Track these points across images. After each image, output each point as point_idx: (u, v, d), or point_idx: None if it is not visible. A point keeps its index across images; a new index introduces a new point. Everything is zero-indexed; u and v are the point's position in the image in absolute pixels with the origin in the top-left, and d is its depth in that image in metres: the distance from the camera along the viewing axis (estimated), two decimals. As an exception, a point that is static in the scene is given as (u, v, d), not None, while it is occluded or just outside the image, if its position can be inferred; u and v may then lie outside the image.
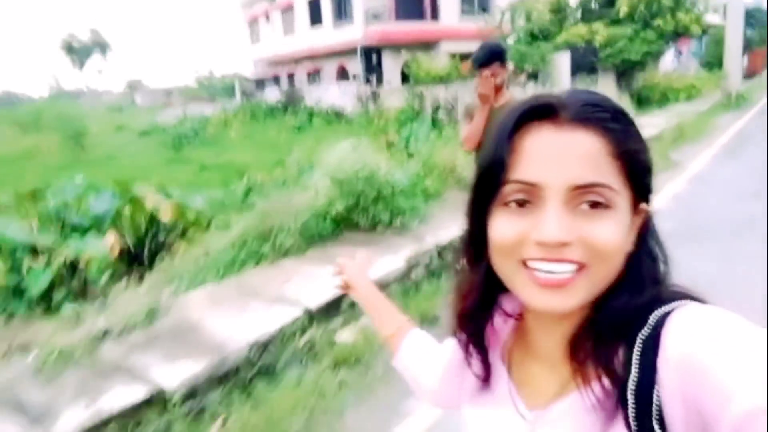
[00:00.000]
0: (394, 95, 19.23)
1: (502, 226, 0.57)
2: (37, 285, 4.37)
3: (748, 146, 9.21)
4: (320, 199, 5.03)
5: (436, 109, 16.53)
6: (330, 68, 25.09)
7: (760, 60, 25.68)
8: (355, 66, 22.84)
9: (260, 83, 31.06)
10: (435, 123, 13.97)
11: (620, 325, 0.55)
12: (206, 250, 4.86)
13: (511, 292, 0.60)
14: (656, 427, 0.50)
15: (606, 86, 14.17)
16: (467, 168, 6.42)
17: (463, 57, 20.92)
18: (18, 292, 4.36)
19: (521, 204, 0.56)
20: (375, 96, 20.01)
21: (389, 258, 4.42)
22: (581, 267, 0.54)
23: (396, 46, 21.36)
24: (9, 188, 8.22)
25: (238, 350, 3.08)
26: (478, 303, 0.67)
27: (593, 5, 17.69)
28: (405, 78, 21.55)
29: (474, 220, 0.62)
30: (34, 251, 4.67)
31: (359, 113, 19.83)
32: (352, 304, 3.58)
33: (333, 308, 3.67)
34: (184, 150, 18.24)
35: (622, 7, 15.71)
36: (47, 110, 23.73)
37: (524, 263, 0.56)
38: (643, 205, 0.59)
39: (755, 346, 0.45)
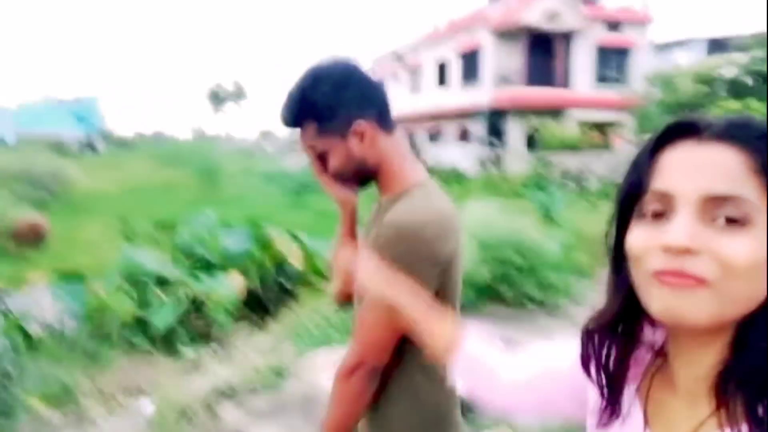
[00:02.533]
0: (517, 160, 18.64)
1: (635, 235, 0.58)
2: (163, 320, 4.18)
3: None
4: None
5: (563, 177, 15.69)
6: (451, 129, 25.09)
7: None
8: (478, 128, 22.61)
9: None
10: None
11: None
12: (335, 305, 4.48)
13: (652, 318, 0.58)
14: None
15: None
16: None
17: (595, 126, 20.03)
18: (142, 325, 4.19)
19: (657, 216, 0.56)
20: (498, 159, 19.53)
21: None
22: (712, 282, 0.52)
23: (523, 111, 20.90)
24: (145, 217, 8.55)
25: None
26: (618, 316, 0.64)
27: (749, 80, 16.24)
28: (529, 143, 20.93)
29: (617, 234, 0.62)
30: (162, 283, 4.53)
31: (480, 175, 19.41)
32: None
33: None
34: (304, 195, 18.76)
35: (788, 81, 14.19)
36: (186, 149, 25.71)
37: (654, 275, 0.55)
38: None
39: None
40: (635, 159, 0.60)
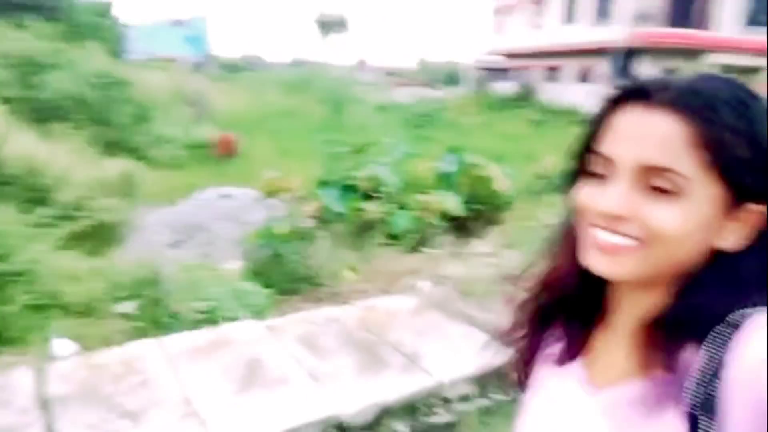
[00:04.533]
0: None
1: (581, 191, 0.62)
2: (399, 225, 5.08)
3: None
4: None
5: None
6: (572, 67, 24.40)
7: None
8: (604, 67, 21.90)
9: (492, 74, 31.37)
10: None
11: (696, 322, 0.55)
12: (539, 223, 5.18)
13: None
14: (711, 421, 0.50)
15: None
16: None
17: (743, 71, 18.90)
18: (386, 226, 5.11)
19: (601, 177, 0.59)
20: (626, 102, 19.01)
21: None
22: (641, 243, 0.56)
23: (658, 51, 20.01)
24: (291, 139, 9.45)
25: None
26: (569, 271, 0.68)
27: None
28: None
29: (567, 188, 0.66)
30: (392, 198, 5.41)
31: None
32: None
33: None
34: (424, 129, 19.28)
35: None
36: (308, 77, 26.67)
37: (592, 226, 0.60)
38: (753, 206, 0.56)
39: None
40: (591, 118, 0.63)
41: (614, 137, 0.58)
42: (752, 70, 19.18)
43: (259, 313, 3.36)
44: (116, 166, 6.92)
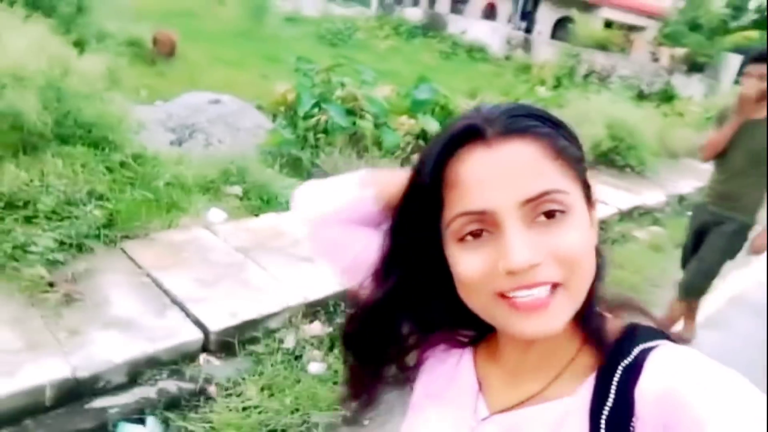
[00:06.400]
0: (546, 49, 19.96)
1: (465, 264, 0.54)
2: (390, 141, 6.10)
3: None
4: (589, 138, 6.52)
5: (588, 74, 17.35)
6: (479, 2, 25.63)
7: None
8: (508, 7, 23.41)
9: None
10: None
11: (598, 346, 0.56)
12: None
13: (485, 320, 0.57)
14: None
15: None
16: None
17: (630, 27, 21.35)
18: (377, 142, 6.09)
19: (476, 235, 0.53)
20: (527, 44, 20.77)
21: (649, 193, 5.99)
22: (555, 286, 0.52)
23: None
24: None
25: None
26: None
27: (771, 12, 17.70)
28: (552, 34, 22.12)
29: (418, 259, 0.60)
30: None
31: (504, 57, 20.66)
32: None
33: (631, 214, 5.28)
34: (340, 49, 19.58)
35: (805, 22, 15.87)
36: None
37: (500, 295, 0.53)
38: (593, 197, 0.58)
39: (732, 383, 0.47)
40: (422, 180, 0.56)
41: (472, 188, 0.52)
42: (638, 28, 21.78)
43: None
44: (97, 60, 7.10)
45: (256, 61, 12.80)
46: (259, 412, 2.16)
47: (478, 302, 0.55)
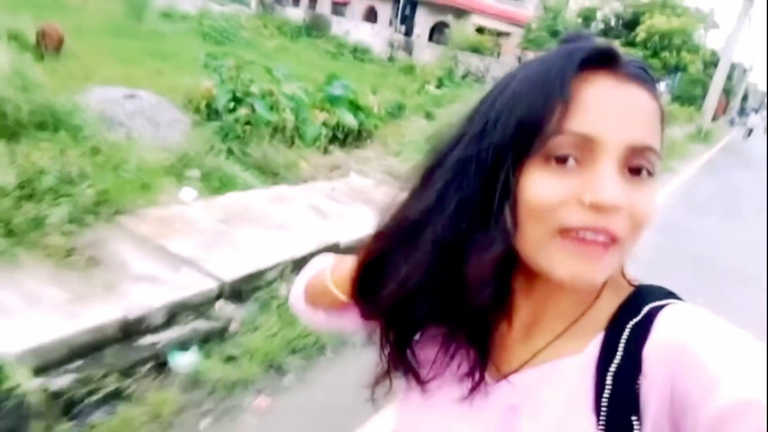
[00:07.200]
0: (426, 51, 21.35)
1: (543, 186, 0.50)
2: (311, 133, 6.64)
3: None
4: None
5: (465, 75, 18.93)
6: (359, 5, 26.60)
7: (721, 107, 30.02)
8: (387, 11, 24.59)
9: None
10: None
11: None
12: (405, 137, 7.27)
13: (531, 262, 0.53)
14: (629, 413, 0.49)
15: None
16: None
17: (498, 33, 23.37)
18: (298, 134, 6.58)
19: (562, 161, 0.50)
20: (409, 46, 22.02)
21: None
22: (614, 241, 0.50)
23: (432, 5, 23.34)
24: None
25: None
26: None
27: (614, 23, 20.51)
28: (429, 37, 23.67)
29: (491, 175, 0.52)
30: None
31: (388, 58, 21.76)
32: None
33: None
34: (227, 47, 19.46)
35: (641, 32, 18.65)
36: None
37: (562, 232, 0.50)
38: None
39: (745, 342, 0.46)
40: (544, 87, 0.50)
41: (591, 113, 0.49)
42: (505, 34, 23.97)
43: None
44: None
45: (143, 57, 12.60)
46: (281, 338, 2.68)
47: (535, 234, 0.51)
